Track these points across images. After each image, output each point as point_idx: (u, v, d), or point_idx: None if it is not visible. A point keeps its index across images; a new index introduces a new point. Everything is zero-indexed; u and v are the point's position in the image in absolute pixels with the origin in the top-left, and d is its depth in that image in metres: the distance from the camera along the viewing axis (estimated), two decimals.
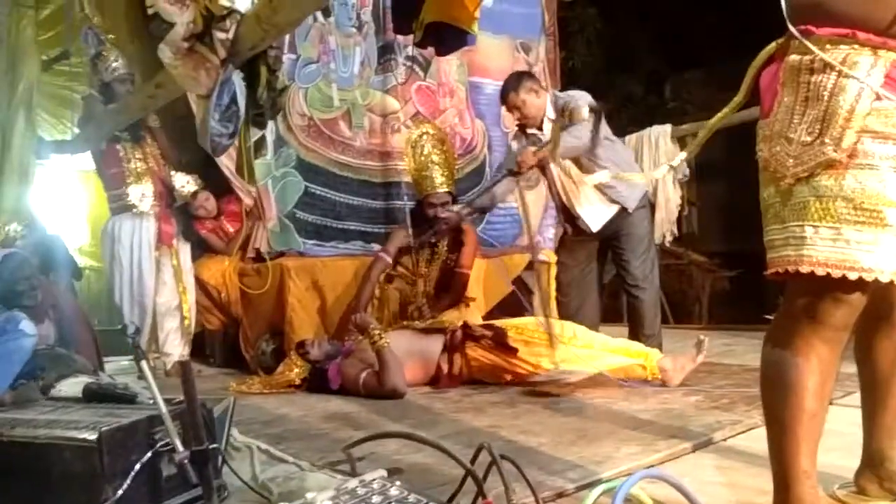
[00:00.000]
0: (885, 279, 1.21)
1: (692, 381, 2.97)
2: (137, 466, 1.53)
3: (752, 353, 3.82)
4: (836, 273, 1.22)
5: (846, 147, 1.23)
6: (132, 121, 4.04)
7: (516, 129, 3.81)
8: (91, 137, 4.19)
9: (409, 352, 3.23)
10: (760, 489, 1.64)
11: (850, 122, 1.23)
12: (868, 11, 1.25)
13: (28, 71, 5.56)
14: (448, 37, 1.94)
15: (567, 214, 3.69)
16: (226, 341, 4.63)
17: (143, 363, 1.65)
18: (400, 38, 4.63)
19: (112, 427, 1.54)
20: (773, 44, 1.39)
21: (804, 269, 1.24)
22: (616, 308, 5.46)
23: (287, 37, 4.17)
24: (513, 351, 3.17)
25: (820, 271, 1.23)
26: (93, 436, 1.51)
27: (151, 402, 1.61)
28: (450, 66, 5.12)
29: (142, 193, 4.16)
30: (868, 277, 1.21)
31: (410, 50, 4.87)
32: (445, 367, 3.28)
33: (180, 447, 1.50)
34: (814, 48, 1.25)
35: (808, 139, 1.26)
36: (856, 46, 1.24)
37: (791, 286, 1.31)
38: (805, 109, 1.27)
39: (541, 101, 3.47)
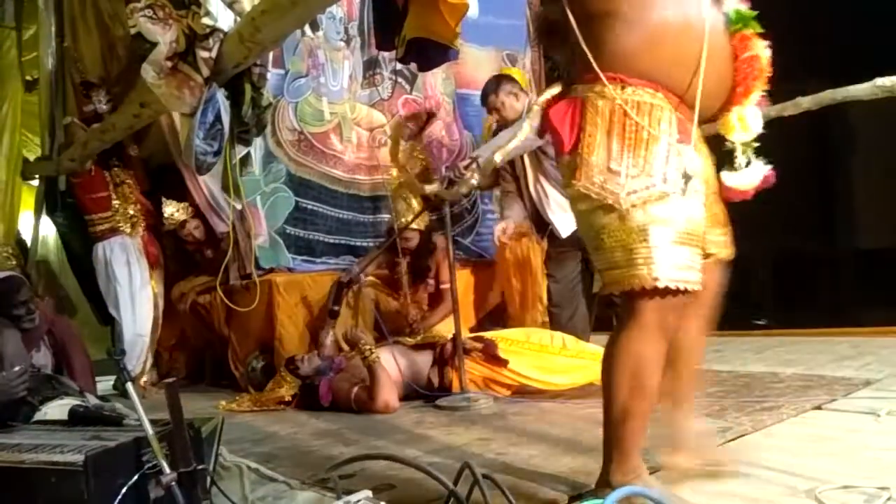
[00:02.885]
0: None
1: None
2: (124, 490, 1.51)
3: (740, 359, 3.83)
4: (689, 287, 1.45)
5: (671, 182, 1.44)
6: (117, 140, 4.03)
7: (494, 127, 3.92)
8: (76, 157, 4.17)
9: (399, 367, 3.22)
10: (752, 497, 1.64)
11: (668, 164, 1.45)
12: (670, 75, 1.48)
13: (12, 91, 5.55)
14: (430, 52, 1.95)
15: (539, 221, 3.75)
16: (214, 359, 4.61)
17: (129, 385, 1.64)
18: (384, 52, 4.65)
19: (98, 450, 1.52)
20: (558, 85, 1.59)
21: (660, 284, 1.43)
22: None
23: (275, 52, 4.17)
24: (503, 363, 3.17)
25: (672, 286, 1.43)
26: (79, 459, 1.49)
27: (138, 423, 1.60)
28: (436, 79, 5.14)
29: (130, 216, 4.19)
30: (699, 288, 1.48)
31: (396, 64, 4.89)
32: (436, 381, 3.27)
33: (167, 469, 1.49)
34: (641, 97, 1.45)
35: (636, 172, 1.44)
36: (658, 102, 1.47)
37: (637, 300, 1.47)
38: (624, 148, 1.45)
39: (520, 105, 3.55)
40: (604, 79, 1.45)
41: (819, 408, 2.51)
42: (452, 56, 1.96)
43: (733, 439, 2.16)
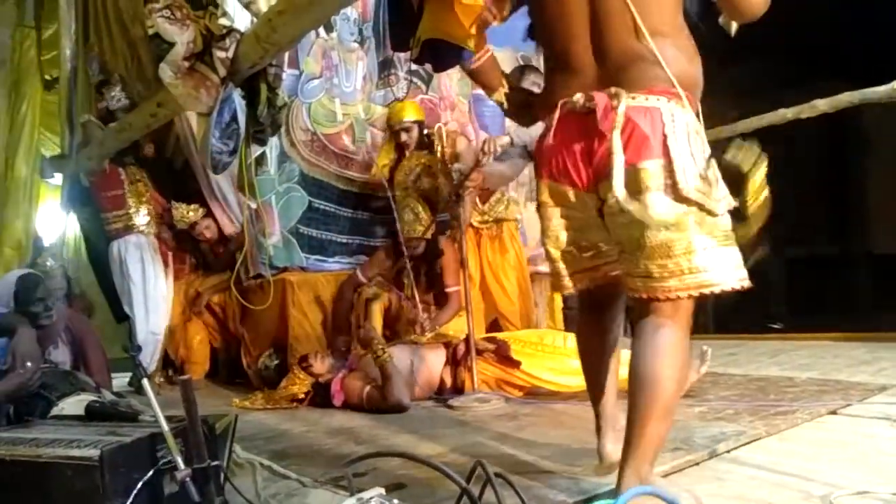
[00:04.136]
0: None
1: (696, 392, 2.96)
2: (139, 485, 1.53)
3: (755, 363, 3.81)
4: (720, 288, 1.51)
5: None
6: (134, 139, 4.07)
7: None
8: (93, 156, 4.22)
9: (412, 366, 3.23)
10: (766, 501, 1.63)
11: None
12: (697, 95, 1.58)
13: (31, 90, 5.62)
14: (444, 53, 1.94)
15: None
16: (228, 357, 4.64)
17: (145, 381, 1.66)
18: (400, 53, 4.65)
19: (114, 445, 1.54)
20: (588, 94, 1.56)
21: (746, 284, 1.51)
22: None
23: (290, 53, 4.20)
24: (516, 364, 3.17)
25: (747, 285, 1.52)
26: (95, 454, 1.51)
27: (153, 420, 1.61)
28: (451, 79, 5.14)
29: (144, 214, 4.24)
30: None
31: (412, 65, 4.89)
32: (449, 381, 3.28)
33: (182, 465, 1.50)
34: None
35: (715, 179, 1.53)
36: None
37: (683, 302, 1.53)
38: (703, 156, 1.52)
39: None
40: (681, 92, 1.51)
41: (834, 412, 2.49)
42: (467, 57, 1.95)
43: (748, 443, 2.15)
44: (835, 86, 4.16)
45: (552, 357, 3.22)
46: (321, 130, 4.64)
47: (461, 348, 3.27)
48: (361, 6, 4.86)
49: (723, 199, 1.52)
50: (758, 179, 1.60)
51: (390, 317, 3.92)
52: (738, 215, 1.59)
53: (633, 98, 1.50)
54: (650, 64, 1.50)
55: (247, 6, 2.95)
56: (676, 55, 1.52)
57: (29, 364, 2.28)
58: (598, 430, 1.82)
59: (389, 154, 4.33)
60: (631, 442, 1.51)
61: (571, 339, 3.24)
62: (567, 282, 1.71)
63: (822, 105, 4.02)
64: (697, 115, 1.56)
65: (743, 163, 1.66)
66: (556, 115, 1.61)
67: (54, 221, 5.08)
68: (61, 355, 3.16)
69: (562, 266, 1.70)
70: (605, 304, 1.78)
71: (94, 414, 1.95)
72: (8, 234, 5.55)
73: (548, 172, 1.66)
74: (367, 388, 3.11)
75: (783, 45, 6.97)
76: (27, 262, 4.58)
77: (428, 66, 4.45)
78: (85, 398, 2.22)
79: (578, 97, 1.56)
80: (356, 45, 4.85)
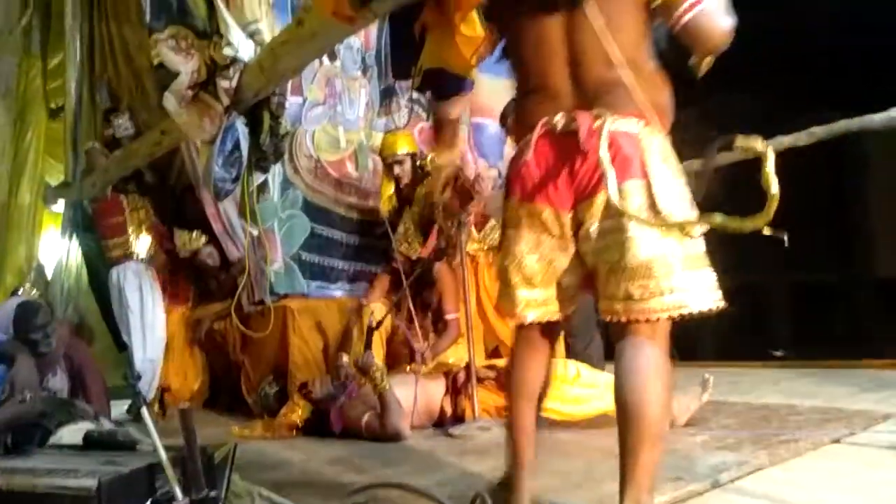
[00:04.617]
0: None
1: (698, 421, 2.94)
2: None
3: (757, 391, 3.79)
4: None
5: None
6: (137, 167, 4.11)
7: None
8: (97, 183, 4.25)
9: (411, 395, 3.21)
10: None
11: None
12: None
13: (36, 118, 5.67)
14: (445, 82, 1.97)
15: None
16: (228, 385, 4.62)
17: (144, 409, 1.65)
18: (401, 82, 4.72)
19: (111, 475, 1.53)
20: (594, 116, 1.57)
21: (721, 304, 1.53)
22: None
23: (294, 80, 4.25)
24: None
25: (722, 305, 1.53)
26: (92, 484, 1.50)
27: (152, 448, 1.61)
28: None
29: (144, 242, 4.26)
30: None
31: (413, 93, 4.95)
32: (449, 409, 3.26)
33: (180, 495, 1.49)
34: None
35: (691, 201, 1.57)
36: None
37: (664, 323, 1.53)
38: (680, 179, 1.58)
39: None
40: (654, 118, 1.57)
41: (838, 441, 2.47)
42: (468, 86, 1.98)
43: (750, 473, 2.13)
44: (832, 115, 4.19)
45: (553, 385, 3.19)
46: (324, 157, 4.67)
47: (461, 376, 3.26)
48: (364, 35, 4.92)
49: (698, 223, 1.53)
50: (771, 163, 1.61)
51: (391, 344, 3.91)
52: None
53: (615, 120, 1.55)
54: (625, 91, 1.55)
55: (251, 36, 3.00)
56: (648, 84, 1.57)
57: (27, 393, 2.28)
58: (520, 481, 1.73)
59: (389, 186, 4.36)
60: (626, 472, 1.51)
61: (572, 367, 3.23)
62: (520, 310, 1.68)
63: (819, 132, 4.05)
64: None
65: (755, 145, 1.65)
66: (535, 135, 1.62)
67: (55, 248, 5.09)
68: (60, 382, 3.15)
69: (518, 293, 1.67)
70: (546, 342, 1.76)
71: (91, 443, 1.93)
72: (10, 262, 5.57)
73: (522, 192, 1.65)
74: (367, 416, 3.09)
75: (785, 74, 7.06)
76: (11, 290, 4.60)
77: (429, 95, 4.54)
78: (83, 427, 2.21)
79: (560, 117, 1.59)
80: (359, 73, 4.91)
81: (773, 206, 1.34)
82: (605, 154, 1.50)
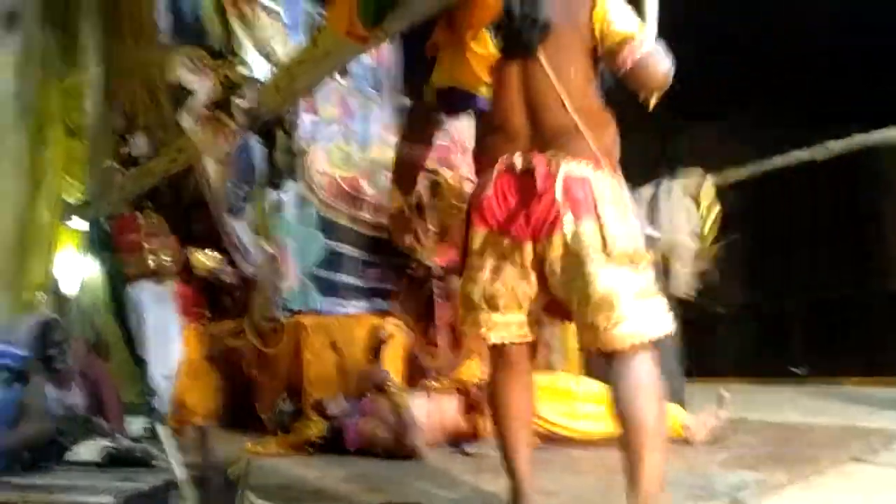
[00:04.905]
0: None
1: (716, 439, 2.91)
2: None
3: (775, 407, 3.75)
4: None
5: None
6: (153, 184, 4.15)
7: None
8: (113, 201, 4.29)
9: (426, 412, 3.20)
10: None
11: None
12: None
13: (55, 137, 5.75)
14: (457, 99, 2.00)
15: None
16: (242, 401, 4.62)
17: (160, 427, 1.66)
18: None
19: (129, 492, 1.54)
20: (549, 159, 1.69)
21: (671, 327, 1.67)
22: None
23: (307, 98, 4.28)
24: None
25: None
26: (110, 501, 1.51)
27: (168, 465, 1.61)
28: (461, 123, 5.20)
29: (161, 259, 4.28)
30: None
31: None
32: (464, 427, 3.24)
33: None
34: None
35: (640, 237, 1.74)
36: None
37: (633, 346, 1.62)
38: (632, 216, 1.73)
39: None
40: (603, 161, 1.69)
41: (858, 460, 2.44)
42: (480, 103, 2.00)
43: (770, 492, 2.10)
44: (847, 129, 4.18)
45: (565, 401, 3.18)
46: (338, 174, 4.68)
47: (476, 393, 3.24)
48: (377, 53, 4.96)
49: (646, 258, 1.66)
50: (706, 201, 1.76)
51: (407, 360, 3.90)
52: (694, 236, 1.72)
53: (569, 163, 1.66)
54: (576, 134, 1.67)
55: (266, 56, 3.03)
56: (597, 127, 1.71)
57: (40, 414, 2.29)
58: (525, 497, 1.83)
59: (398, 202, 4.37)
60: (634, 483, 1.58)
61: (585, 383, 3.22)
62: (483, 332, 1.78)
63: (836, 147, 4.04)
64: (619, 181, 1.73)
65: (690, 188, 1.83)
66: (495, 172, 1.73)
67: (73, 267, 5.13)
68: (76, 399, 3.17)
69: (481, 316, 1.77)
70: (523, 362, 1.82)
71: (110, 459, 1.94)
72: (28, 279, 5.61)
73: (485, 222, 1.76)
74: (382, 433, 3.08)
75: (799, 90, 7.03)
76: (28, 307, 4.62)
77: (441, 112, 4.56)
78: (100, 443, 2.22)
79: (518, 157, 1.71)
80: (372, 90, 4.94)
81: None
82: (559, 197, 1.62)
